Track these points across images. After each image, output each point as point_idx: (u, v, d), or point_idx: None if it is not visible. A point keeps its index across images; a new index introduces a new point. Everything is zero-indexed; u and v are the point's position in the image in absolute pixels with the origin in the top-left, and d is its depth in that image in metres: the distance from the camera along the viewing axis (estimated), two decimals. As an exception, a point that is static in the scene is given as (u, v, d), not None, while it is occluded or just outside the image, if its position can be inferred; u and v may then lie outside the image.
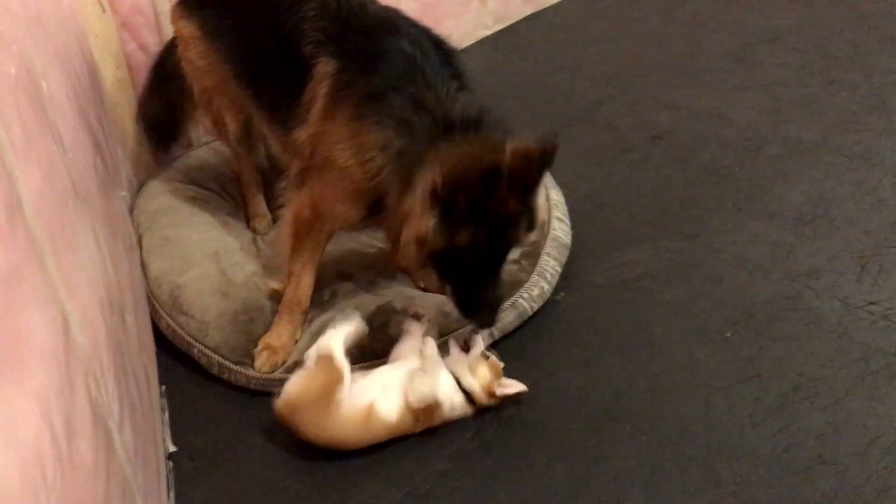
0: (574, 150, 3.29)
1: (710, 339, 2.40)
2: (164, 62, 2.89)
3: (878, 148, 3.18)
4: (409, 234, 2.03)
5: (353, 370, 2.20)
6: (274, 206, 2.75)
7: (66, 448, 1.12)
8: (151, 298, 2.56)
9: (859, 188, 2.97)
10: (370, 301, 2.44)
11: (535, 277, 2.53)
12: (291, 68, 2.21)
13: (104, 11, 2.82)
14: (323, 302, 2.48)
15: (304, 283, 2.37)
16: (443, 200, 1.94)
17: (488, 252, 2.04)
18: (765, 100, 3.57)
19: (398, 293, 2.49)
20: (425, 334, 2.25)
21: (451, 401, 2.17)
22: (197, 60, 2.62)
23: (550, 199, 2.79)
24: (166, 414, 2.32)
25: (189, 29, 2.59)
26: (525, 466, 2.09)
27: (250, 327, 2.41)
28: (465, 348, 2.24)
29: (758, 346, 2.36)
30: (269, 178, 2.94)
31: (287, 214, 2.32)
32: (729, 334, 2.41)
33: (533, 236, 2.60)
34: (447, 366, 2.21)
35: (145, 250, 2.68)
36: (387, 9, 2.31)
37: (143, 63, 3.02)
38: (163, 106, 2.97)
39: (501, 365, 2.22)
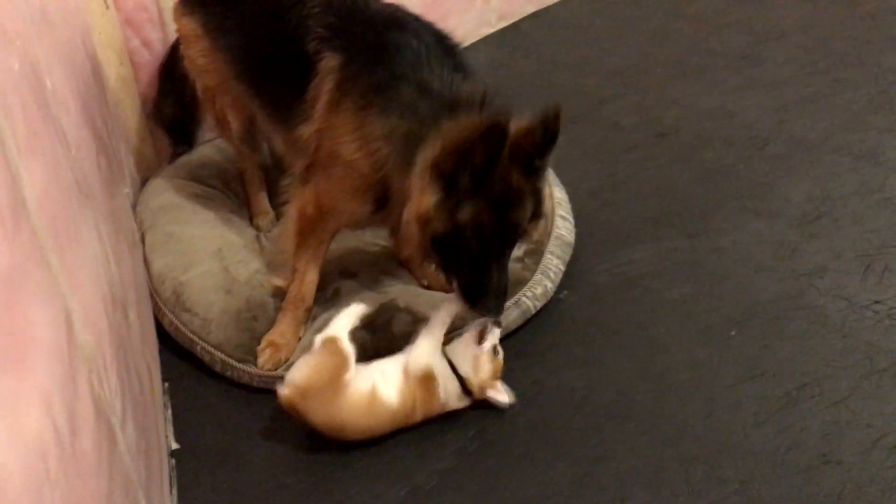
0: (578, 148, 3.29)
1: (713, 338, 2.40)
2: (173, 62, 2.89)
3: (883, 147, 3.17)
4: (409, 212, 2.01)
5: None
6: (277, 204, 2.75)
7: (69, 444, 1.12)
8: (154, 295, 2.56)
9: (864, 187, 2.96)
10: (374, 299, 2.44)
11: (538, 276, 2.53)
12: (295, 65, 2.21)
13: (108, 8, 2.81)
14: (326, 299, 2.48)
15: (308, 281, 2.36)
16: (445, 175, 1.92)
17: (492, 232, 1.99)
18: (769, 98, 3.56)
19: (402, 291, 2.48)
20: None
21: (445, 382, 2.16)
22: (199, 58, 2.62)
23: (554, 196, 2.78)
24: (169, 411, 2.32)
25: (191, 26, 2.59)
26: (527, 465, 2.09)
27: (253, 325, 2.41)
28: (480, 340, 2.22)
29: (762, 345, 2.36)
30: (273, 175, 2.94)
31: (291, 212, 2.32)
32: (733, 333, 2.41)
33: (537, 235, 2.61)
34: (447, 352, 2.21)
35: (148, 247, 2.68)
36: (390, 5, 2.31)
37: (147, 60, 3.02)
38: (178, 106, 2.98)
39: (502, 366, 2.21)
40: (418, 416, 2.17)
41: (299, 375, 2.10)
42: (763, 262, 2.66)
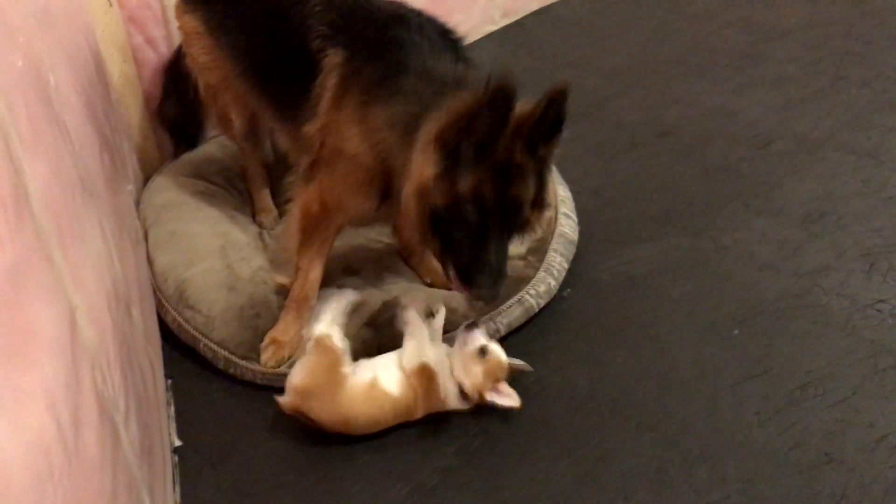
0: (581, 146, 3.28)
1: (717, 337, 2.39)
2: (177, 63, 2.89)
3: (887, 145, 3.16)
4: (409, 187, 1.98)
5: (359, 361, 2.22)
6: (281, 201, 2.75)
7: (73, 440, 1.12)
8: (157, 292, 2.56)
9: (868, 185, 2.96)
10: (377, 296, 2.44)
11: (541, 274, 2.52)
12: (299, 63, 2.21)
13: (111, 5, 2.81)
14: (329, 297, 2.48)
15: (312, 279, 2.36)
16: (448, 146, 1.91)
17: (493, 205, 1.94)
18: (773, 96, 3.55)
19: (405, 289, 2.48)
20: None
21: (445, 380, 2.16)
22: (201, 56, 2.62)
23: (557, 195, 2.78)
24: (172, 408, 2.32)
25: (194, 24, 2.59)
26: (530, 463, 2.09)
27: (256, 322, 2.41)
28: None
29: (765, 343, 2.35)
30: (276, 172, 2.94)
31: (295, 209, 2.32)
32: (736, 332, 2.40)
33: (540, 228, 2.61)
34: (449, 354, 2.21)
35: (151, 244, 2.68)
36: (393, 2, 2.31)
37: (150, 57, 3.02)
38: (181, 107, 2.98)
39: (505, 367, 2.18)
40: (420, 410, 2.16)
41: (297, 379, 2.12)
42: (766, 260, 2.65)
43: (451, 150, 1.92)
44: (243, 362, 2.36)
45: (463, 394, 2.17)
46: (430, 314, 2.31)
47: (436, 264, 2.25)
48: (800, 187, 2.98)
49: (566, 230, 2.68)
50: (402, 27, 2.15)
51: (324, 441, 2.14)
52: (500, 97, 1.83)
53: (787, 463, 2.02)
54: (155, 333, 2.43)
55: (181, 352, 2.50)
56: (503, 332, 2.42)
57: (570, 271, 2.62)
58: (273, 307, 2.43)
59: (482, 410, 2.19)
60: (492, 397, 2.14)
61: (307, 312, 2.38)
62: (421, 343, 2.18)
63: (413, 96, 2.03)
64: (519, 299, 2.45)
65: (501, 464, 2.09)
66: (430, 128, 1.95)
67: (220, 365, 2.40)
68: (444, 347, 2.22)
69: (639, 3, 4.55)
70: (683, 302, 2.53)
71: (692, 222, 2.85)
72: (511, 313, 2.42)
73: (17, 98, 1.30)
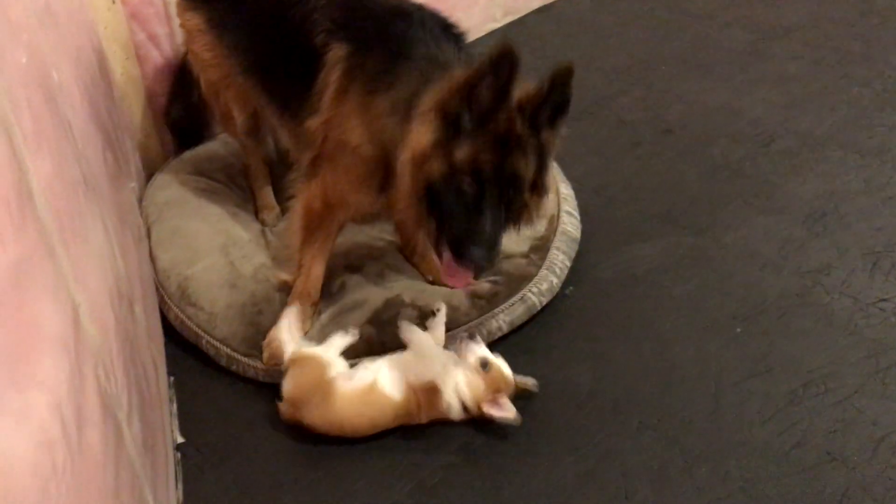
0: (584, 144, 3.28)
1: (719, 335, 2.39)
2: (185, 66, 2.88)
3: (891, 143, 3.16)
4: (405, 155, 1.97)
5: (361, 361, 2.22)
6: (283, 198, 2.75)
7: (76, 437, 1.12)
8: (160, 290, 2.56)
9: (871, 184, 2.95)
10: (379, 294, 2.44)
11: (544, 271, 2.52)
12: (302, 59, 2.21)
13: (114, 2, 2.81)
14: (331, 294, 2.48)
15: (314, 275, 2.37)
16: (448, 115, 1.90)
17: (490, 174, 1.92)
18: (776, 94, 3.55)
19: (407, 286, 2.48)
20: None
21: (450, 398, 2.13)
22: (203, 53, 2.62)
23: (560, 192, 2.78)
24: (174, 405, 2.32)
25: (195, 21, 2.59)
26: (532, 461, 2.09)
27: (259, 319, 2.41)
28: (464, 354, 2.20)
29: (768, 342, 2.35)
30: (278, 170, 2.94)
31: (297, 206, 2.32)
32: (739, 330, 2.40)
33: (543, 229, 2.61)
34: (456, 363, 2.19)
35: (154, 242, 2.68)
36: None
37: (153, 54, 3.02)
38: (187, 109, 2.98)
39: (510, 382, 2.16)
40: (423, 418, 2.16)
41: (285, 390, 2.16)
42: (769, 258, 2.65)
43: (451, 120, 1.90)
44: (245, 359, 2.36)
45: (465, 407, 2.16)
46: (430, 313, 2.30)
47: (432, 255, 2.23)
48: (802, 186, 2.98)
49: (569, 228, 2.68)
50: (405, 22, 2.15)
51: (326, 438, 2.14)
52: (503, 62, 1.82)
53: (789, 462, 2.02)
54: (157, 331, 2.43)
55: (183, 349, 2.50)
56: (505, 329, 2.42)
57: (572, 269, 2.61)
58: (275, 304, 2.43)
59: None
60: (489, 410, 2.11)
61: (310, 309, 2.39)
62: (431, 360, 2.15)
63: (414, 79, 2.03)
64: (521, 297, 2.45)
65: (503, 462, 2.10)
66: (429, 98, 1.94)
67: (223, 362, 2.41)
68: (451, 357, 2.19)
69: (641, 1, 4.54)
70: (685, 300, 2.53)
71: (694, 221, 2.85)
72: (513, 311, 2.42)
73: (21, 95, 1.30)
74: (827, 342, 2.33)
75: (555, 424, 2.18)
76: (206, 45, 2.60)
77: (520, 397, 2.18)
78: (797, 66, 3.75)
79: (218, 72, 2.63)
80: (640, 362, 2.34)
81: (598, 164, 3.20)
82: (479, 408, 2.12)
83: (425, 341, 2.19)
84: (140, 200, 2.88)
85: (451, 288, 2.49)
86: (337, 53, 2.16)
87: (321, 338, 2.30)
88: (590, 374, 2.31)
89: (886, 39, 3.91)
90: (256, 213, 2.89)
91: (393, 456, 2.13)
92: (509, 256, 2.54)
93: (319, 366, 2.14)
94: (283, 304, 2.40)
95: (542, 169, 2.01)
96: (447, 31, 2.20)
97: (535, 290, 2.48)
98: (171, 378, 2.40)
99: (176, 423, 2.26)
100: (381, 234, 2.71)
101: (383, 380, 2.13)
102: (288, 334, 2.24)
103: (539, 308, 2.49)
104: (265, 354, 2.33)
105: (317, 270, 2.36)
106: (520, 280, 2.47)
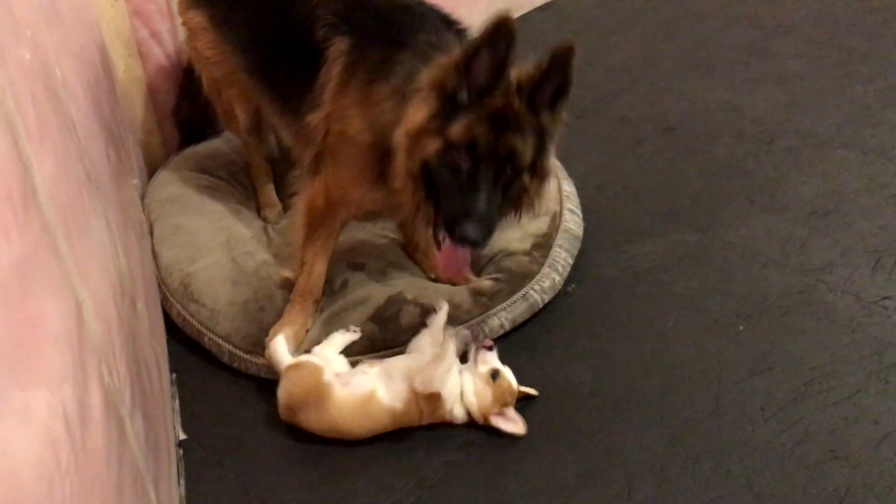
0: (586, 142, 3.28)
1: (722, 333, 2.39)
2: (193, 64, 2.88)
3: (893, 141, 3.15)
4: (401, 130, 1.95)
5: (363, 360, 2.22)
6: (286, 196, 2.75)
7: (80, 434, 1.12)
8: (162, 286, 2.56)
9: (873, 182, 2.95)
10: (381, 291, 2.44)
11: (546, 269, 2.52)
12: (304, 55, 2.21)
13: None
14: (333, 291, 2.48)
15: (317, 273, 2.37)
16: (445, 91, 1.88)
17: (485, 149, 1.89)
18: (779, 92, 3.55)
19: (409, 283, 2.48)
20: (446, 329, 2.22)
21: (453, 406, 2.14)
22: (205, 51, 2.62)
23: (562, 190, 2.78)
24: (177, 402, 2.32)
25: (198, 19, 2.59)
26: (535, 458, 2.09)
27: (261, 316, 2.41)
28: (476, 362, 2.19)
29: (770, 340, 2.35)
30: (280, 167, 2.94)
31: (300, 203, 2.32)
32: (741, 328, 2.40)
33: (545, 227, 2.61)
34: (461, 371, 2.19)
35: (156, 238, 2.68)
36: None
37: (155, 51, 3.02)
38: (196, 107, 2.97)
39: (515, 393, 2.15)
40: (424, 421, 2.16)
41: (281, 396, 2.16)
42: (771, 257, 2.65)
43: (447, 96, 1.89)
44: (248, 356, 2.36)
45: (470, 417, 2.16)
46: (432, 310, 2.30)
47: (434, 251, 2.21)
48: (805, 184, 2.97)
49: (571, 226, 2.68)
50: (407, 16, 2.15)
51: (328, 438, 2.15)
52: (500, 35, 1.80)
53: (792, 460, 2.02)
54: (160, 327, 2.44)
55: (186, 346, 2.50)
56: (507, 327, 2.42)
57: (574, 267, 2.61)
58: (277, 301, 2.44)
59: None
60: (497, 422, 2.11)
61: (312, 306, 2.39)
62: (444, 370, 2.12)
63: (412, 65, 2.02)
64: (523, 295, 2.45)
65: (505, 459, 2.10)
66: (425, 75, 1.93)
67: (225, 359, 2.41)
68: (456, 364, 2.18)
69: (645, -2, 4.54)
70: (687, 298, 2.53)
71: (697, 218, 2.85)
72: (515, 309, 2.42)
73: (25, 92, 1.30)
74: (829, 340, 2.33)
75: (556, 422, 2.18)
76: (209, 44, 2.60)
77: (520, 399, 2.19)
78: (800, 64, 3.75)
79: (220, 70, 2.63)
80: (641, 360, 2.34)
81: (600, 162, 3.19)
82: (485, 417, 2.12)
83: (451, 354, 2.16)
84: (142, 197, 2.88)
85: (453, 284, 2.50)
86: (338, 48, 2.16)
87: (323, 335, 2.30)
88: (591, 372, 2.31)
89: (889, 37, 3.90)
90: (258, 211, 2.89)
91: (395, 452, 2.13)
92: (511, 254, 2.55)
93: (314, 370, 2.13)
94: (286, 302, 2.41)
95: (541, 151, 1.99)
96: (449, 25, 2.20)
97: (537, 287, 2.48)
98: (174, 375, 2.40)
99: (178, 419, 2.27)
100: (383, 231, 2.71)
101: (383, 390, 2.11)
102: (281, 355, 2.21)
103: (541, 306, 2.49)
104: (267, 351, 2.33)
105: (319, 268, 2.37)
106: (522, 277, 2.47)
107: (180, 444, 2.20)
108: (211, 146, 3.14)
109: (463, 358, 2.24)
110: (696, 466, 2.03)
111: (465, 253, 2.04)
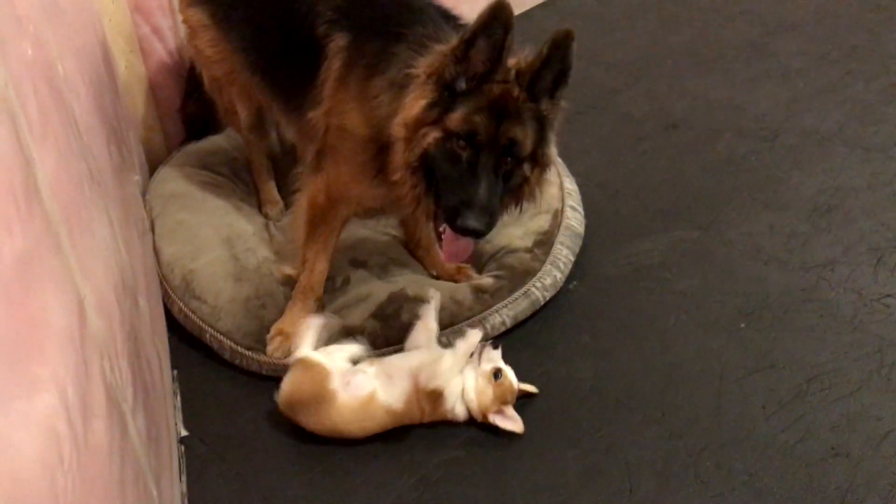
0: (588, 139, 3.28)
1: (723, 330, 2.39)
2: None
3: (895, 139, 3.15)
4: (399, 120, 1.94)
5: (364, 358, 2.21)
6: (288, 193, 2.75)
7: (82, 430, 1.12)
8: (164, 283, 2.56)
9: (876, 179, 2.95)
10: (383, 288, 2.44)
11: (547, 266, 2.52)
12: (306, 51, 2.20)
13: (118, -5, 2.81)
14: (335, 288, 2.48)
15: (318, 270, 2.36)
16: (443, 79, 1.88)
17: (485, 139, 1.88)
18: (781, 89, 3.54)
19: (411, 280, 2.48)
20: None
21: (455, 404, 2.14)
22: (207, 49, 2.61)
23: (564, 187, 2.77)
24: (178, 398, 2.32)
25: (199, 17, 2.58)
26: (537, 455, 2.09)
27: (262, 313, 2.41)
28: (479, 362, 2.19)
29: (772, 337, 2.35)
30: (281, 164, 2.94)
31: (302, 201, 2.32)
32: (743, 325, 2.40)
33: (547, 224, 2.60)
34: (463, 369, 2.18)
35: (158, 235, 2.68)
36: None
37: (156, 47, 3.02)
38: (202, 104, 2.97)
39: (515, 392, 2.16)
40: (425, 419, 2.16)
41: (283, 390, 2.15)
42: (773, 254, 2.65)
43: (445, 85, 1.89)
44: (249, 353, 2.36)
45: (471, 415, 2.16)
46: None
47: (436, 248, 2.20)
48: (807, 181, 2.97)
49: (572, 223, 2.68)
50: (406, 10, 2.15)
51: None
52: (496, 21, 1.79)
53: (793, 456, 2.02)
54: (161, 324, 2.44)
55: (187, 342, 2.50)
56: (509, 324, 2.42)
57: (576, 264, 2.61)
58: (279, 298, 2.44)
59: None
60: (496, 420, 2.12)
61: (313, 304, 2.39)
62: (453, 366, 2.13)
63: (409, 56, 2.01)
64: (525, 292, 2.44)
65: (506, 456, 2.10)
66: (423, 65, 1.93)
67: (226, 355, 2.41)
68: (458, 357, 2.18)
69: (646, -5, 4.53)
70: (689, 295, 2.53)
71: (699, 216, 2.85)
72: (517, 306, 2.42)
73: (27, 87, 1.30)
74: (831, 338, 2.33)
75: (558, 419, 2.18)
76: (210, 41, 2.59)
77: (520, 397, 2.19)
78: (802, 61, 3.74)
79: (222, 67, 2.63)
80: (643, 357, 2.34)
81: (602, 159, 3.19)
82: (484, 415, 2.13)
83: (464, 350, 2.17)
84: (144, 193, 2.88)
85: (455, 281, 2.50)
86: (338, 44, 2.15)
87: (324, 332, 2.30)
88: (593, 369, 2.31)
89: (891, 35, 3.90)
90: (260, 207, 2.89)
91: (397, 449, 2.13)
92: (513, 251, 2.55)
93: (322, 375, 2.11)
94: (287, 298, 2.41)
95: (542, 140, 1.98)
96: (448, 19, 2.19)
97: (538, 284, 2.48)
98: (175, 371, 2.40)
99: (179, 416, 2.27)
100: (385, 228, 2.71)
101: (383, 391, 2.11)
102: (307, 339, 2.19)
103: (542, 303, 2.49)
104: (269, 348, 2.33)
105: (321, 265, 2.36)
106: (523, 275, 2.47)
107: (182, 440, 2.20)
108: (212, 143, 3.13)
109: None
110: (697, 464, 2.03)
111: (467, 242, 2.04)
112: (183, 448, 2.18)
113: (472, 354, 2.19)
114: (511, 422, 2.12)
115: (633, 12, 4.36)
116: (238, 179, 2.99)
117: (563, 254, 2.57)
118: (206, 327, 2.43)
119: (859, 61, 3.70)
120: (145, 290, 2.18)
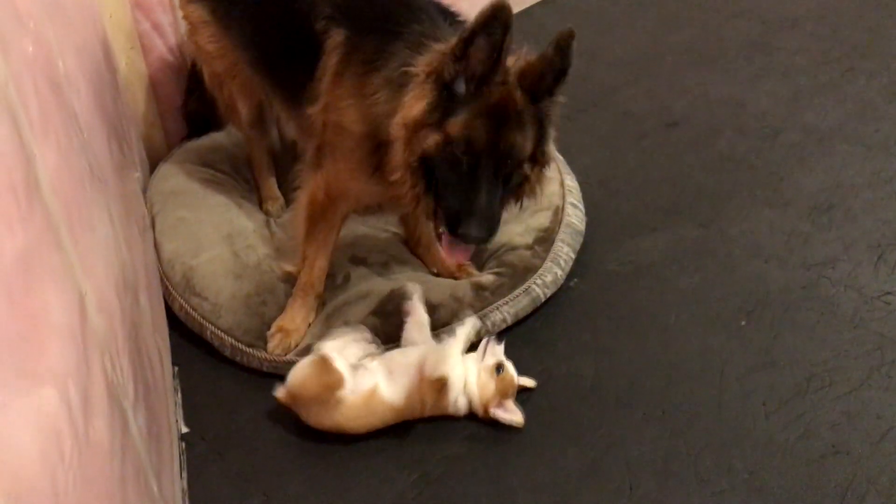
0: (589, 137, 3.27)
1: (724, 328, 2.39)
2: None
3: (897, 137, 3.15)
4: (398, 121, 1.93)
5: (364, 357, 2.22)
6: (288, 189, 2.75)
7: (83, 427, 1.12)
8: (165, 280, 2.56)
9: (877, 177, 2.94)
10: (383, 285, 2.44)
11: (548, 264, 2.52)
12: (305, 47, 2.20)
13: (119, -9, 2.81)
14: (336, 285, 2.48)
15: (318, 267, 2.36)
16: (442, 80, 1.87)
17: (485, 146, 1.87)
18: (782, 87, 3.53)
19: (411, 278, 2.48)
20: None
21: (457, 396, 2.14)
22: (207, 45, 2.61)
23: (565, 185, 2.77)
24: (179, 395, 2.33)
25: (199, 13, 2.58)
26: (537, 452, 2.09)
27: (263, 309, 2.41)
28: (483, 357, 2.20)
29: (772, 335, 2.35)
30: (282, 161, 2.94)
31: (302, 198, 2.32)
32: (743, 323, 2.40)
33: (547, 221, 2.60)
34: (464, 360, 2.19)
35: (158, 232, 2.68)
36: None
37: (157, 44, 3.01)
38: (204, 101, 2.97)
39: (515, 386, 2.16)
40: (426, 413, 2.16)
41: (292, 381, 2.13)
42: (774, 251, 2.65)
43: (444, 85, 1.88)
44: (250, 350, 2.36)
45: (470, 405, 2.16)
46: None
47: (436, 246, 2.20)
48: (808, 179, 2.97)
49: (573, 220, 2.67)
50: (403, 6, 2.14)
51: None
52: (495, 20, 1.78)
53: (794, 454, 2.02)
54: (162, 321, 2.44)
55: (188, 339, 2.50)
56: (509, 321, 2.42)
57: (577, 261, 2.61)
58: (279, 295, 2.44)
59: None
60: (496, 412, 2.12)
61: (314, 301, 2.39)
62: (456, 355, 2.14)
63: (406, 54, 2.00)
64: (526, 289, 2.44)
65: (508, 452, 2.10)
66: (422, 64, 1.92)
67: (227, 352, 2.41)
68: (460, 355, 2.18)
69: (647, -8, 4.52)
70: (690, 293, 2.52)
71: (700, 213, 2.85)
72: (518, 303, 2.42)
73: (28, 84, 1.30)
74: (831, 336, 2.33)
75: (559, 416, 2.19)
76: (210, 37, 2.59)
77: (518, 391, 2.19)
78: (803, 58, 3.73)
79: (222, 63, 2.62)
80: (644, 355, 2.34)
81: (603, 157, 3.19)
82: (484, 409, 2.13)
83: (463, 336, 2.19)
84: (144, 190, 2.87)
85: (455, 279, 2.50)
86: (335, 39, 2.15)
87: (324, 329, 2.30)
88: (594, 367, 2.31)
89: (893, 32, 3.88)
90: (260, 204, 2.89)
91: (397, 445, 2.13)
92: (514, 248, 2.54)
93: (337, 382, 2.08)
94: (288, 296, 2.41)
95: (541, 139, 1.98)
96: (446, 16, 2.19)
97: (539, 282, 2.48)
98: (176, 368, 2.40)
99: (180, 413, 2.27)
100: (385, 226, 2.71)
101: (384, 386, 2.11)
102: (338, 344, 2.17)
103: (543, 300, 2.49)
104: (269, 344, 2.33)
105: (321, 262, 2.36)
106: (524, 272, 2.47)
107: (182, 437, 2.20)
108: (213, 139, 3.13)
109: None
110: (697, 461, 2.03)
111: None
112: (184, 444, 2.18)
113: (476, 348, 2.20)
114: (511, 414, 2.13)
115: (633, 10, 4.35)
116: (239, 176, 2.99)
117: (564, 251, 2.57)
118: (207, 324, 2.43)
119: (860, 59, 3.69)
120: (146, 287, 2.18)
